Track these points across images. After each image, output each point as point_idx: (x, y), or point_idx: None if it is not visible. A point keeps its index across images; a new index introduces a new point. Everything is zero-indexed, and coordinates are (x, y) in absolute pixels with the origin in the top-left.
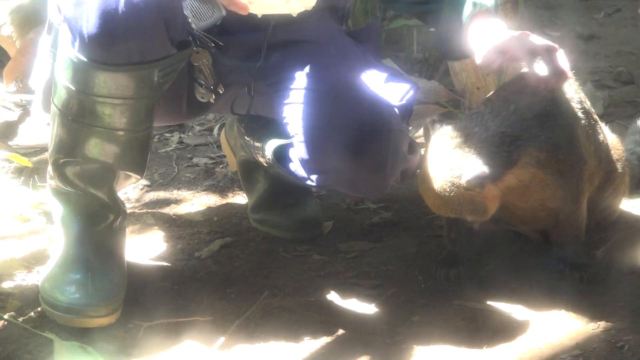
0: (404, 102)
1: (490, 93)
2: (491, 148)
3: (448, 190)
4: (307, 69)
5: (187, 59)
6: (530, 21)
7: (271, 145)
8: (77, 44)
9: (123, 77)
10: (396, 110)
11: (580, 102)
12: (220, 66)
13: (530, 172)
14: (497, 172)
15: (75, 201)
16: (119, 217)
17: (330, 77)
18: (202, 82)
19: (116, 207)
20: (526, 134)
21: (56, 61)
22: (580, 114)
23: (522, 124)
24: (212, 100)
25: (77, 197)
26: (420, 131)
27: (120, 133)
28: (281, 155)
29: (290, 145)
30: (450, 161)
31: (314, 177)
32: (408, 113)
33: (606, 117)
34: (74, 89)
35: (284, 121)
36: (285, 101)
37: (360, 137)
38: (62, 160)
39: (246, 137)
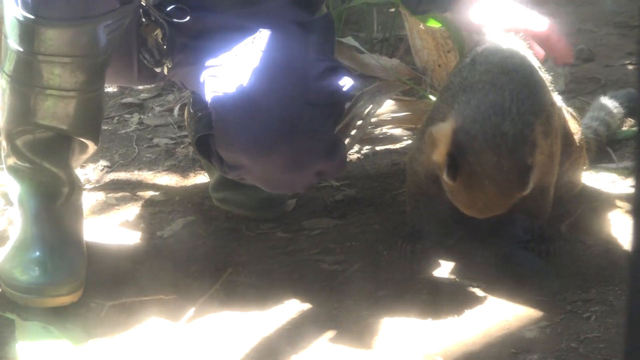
0: (333, 99)
1: (456, 77)
2: (518, 137)
3: (506, 190)
4: (236, 56)
5: (130, 15)
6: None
7: (196, 132)
8: (20, 1)
9: (69, 32)
10: (317, 108)
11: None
12: (172, 42)
13: (542, 149)
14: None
15: (30, 178)
16: (74, 193)
17: (256, 69)
18: (147, 55)
19: (72, 183)
20: (529, 111)
21: (4, 24)
22: (548, 83)
23: (523, 104)
24: (159, 71)
25: (32, 172)
26: (384, 107)
27: (72, 94)
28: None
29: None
30: (503, 162)
31: (229, 171)
32: (337, 111)
33: (567, 94)
34: (22, 49)
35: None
36: (210, 86)
37: (270, 135)
38: (14, 131)
39: (191, 113)
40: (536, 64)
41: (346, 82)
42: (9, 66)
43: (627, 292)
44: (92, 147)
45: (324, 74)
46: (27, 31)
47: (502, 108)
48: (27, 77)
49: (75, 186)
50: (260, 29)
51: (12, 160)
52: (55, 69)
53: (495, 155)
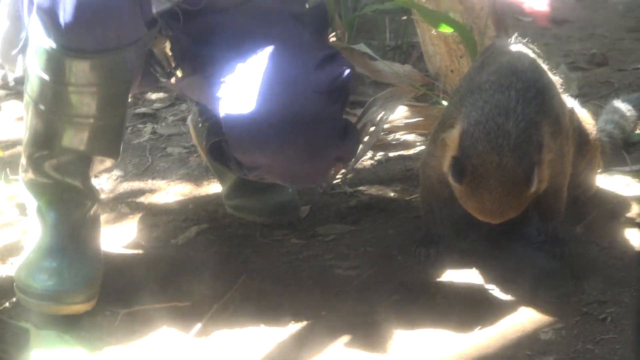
0: (337, 84)
1: (464, 80)
2: (521, 136)
3: (513, 190)
4: (236, 57)
5: (155, 35)
6: (501, 6)
7: (208, 140)
8: (52, 33)
9: (101, 63)
10: (323, 95)
11: (550, 73)
12: (181, 53)
13: (549, 148)
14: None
15: (51, 192)
16: (94, 204)
17: (257, 66)
18: (158, 69)
19: (91, 194)
20: (535, 111)
21: (28, 50)
22: (558, 86)
23: (529, 104)
24: (172, 81)
25: (52, 187)
26: (397, 113)
27: (97, 120)
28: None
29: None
30: (505, 161)
31: (248, 173)
32: (343, 95)
33: (581, 98)
34: (48, 79)
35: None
36: (217, 94)
37: (283, 130)
38: (37, 154)
39: (199, 120)
40: (546, 67)
41: (345, 66)
42: (32, 90)
43: None
44: (112, 162)
45: (323, 63)
46: (57, 62)
47: (506, 108)
48: (54, 105)
49: (94, 197)
50: (259, 30)
51: (30, 176)
52: (85, 99)
53: (497, 155)
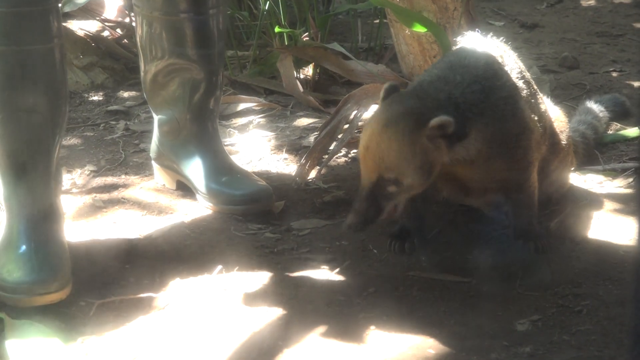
0: None
1: (432, 64)
2: (449, 109)
3: (404, 139)
4: None
5: None
6: (473, 11)
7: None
8: None
9: None
10: None
11: (521, 73)
12: None
13: (476, 148)
14: (454, 135)
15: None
16: (58, 195)
17: None
18: None
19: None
20: (474, 109)
21: None
22: (521, 84)
23: (471, 96)
24: None
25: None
26: (370, 112)
27: None
28: None
29: None
30: (411, 111)
31: None
32: None
33: (553, 100)
34: None
35: None
36: None
37: None
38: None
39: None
40: (517, 67)
41: None
42: None
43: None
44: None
45: None
46: None
47: (446, 79)
48: None
49: (57, 187)
50: None
51: None
52: None
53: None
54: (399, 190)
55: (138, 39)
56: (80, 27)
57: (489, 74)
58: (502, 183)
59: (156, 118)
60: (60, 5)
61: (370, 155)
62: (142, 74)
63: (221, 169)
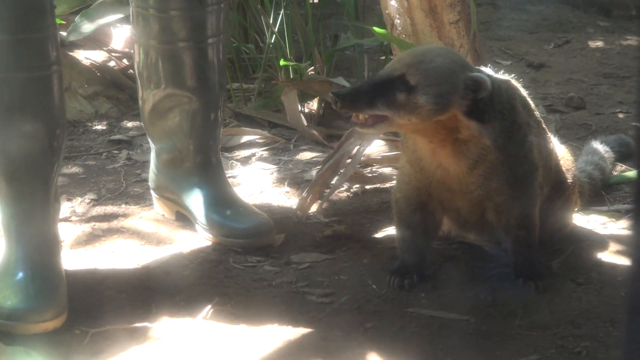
0: None
1: None
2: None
3: (448, 63)
4: None
5: None
6: (480, 48)
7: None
8: None
9: None
10: None
11: (531, 110)
12: None
13: (484, 142)
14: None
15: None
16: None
17: None
18: None
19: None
20: (499, 107)
21: None
22: (532, 122)
23: (499, 97)
24: None
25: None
26: (374, 147)
27: None
28: None
29: None
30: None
31: None
32: None
33: (559, 139)
34: None
35: None
36: None
37: None
38: None
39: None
40: (529, 104)
41: None
42: None
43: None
44: None
45: None
46: None
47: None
48: None
49: (56, 213)
50: None
51: None
52: None
53: None
54: (402, 102)
55: (136, 67)
56: (86, 56)
57: (510, 95)
58: (501, 213)
59: (154, 147)
60: (65, 34)
61: (412, 54)
62: (140, 102)
63: (224, 201)
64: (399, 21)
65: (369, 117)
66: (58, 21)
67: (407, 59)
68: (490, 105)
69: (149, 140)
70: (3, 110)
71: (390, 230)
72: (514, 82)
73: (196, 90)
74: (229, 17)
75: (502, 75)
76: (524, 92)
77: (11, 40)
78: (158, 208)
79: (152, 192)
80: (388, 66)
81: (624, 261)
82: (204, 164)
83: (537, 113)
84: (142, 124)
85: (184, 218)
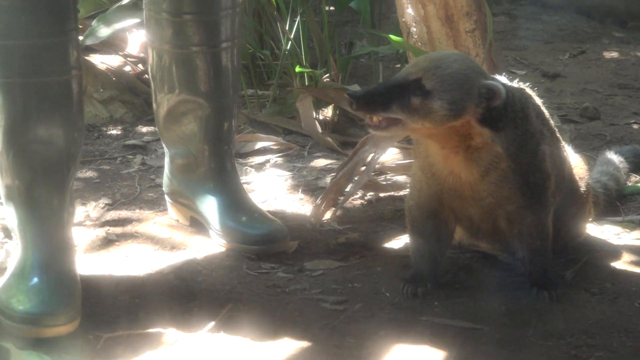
0: None
1: None
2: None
3: (464, 70)
4: None
5: None
6: (495, 58)
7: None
8: None
9: None
10: None
11: (545, 119)
12: None
13: (496, 150)
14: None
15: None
16: (71, 225)
17: None
18: None
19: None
20: (512, 115)
21: None
22: (545, 131)
23: (513, 106)
24: None
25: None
26: (388, 155)
27: None
28: None
29: None
30: (480, 67)
31: None
32: None
33: (573, 149)
34: None
35: None
36: None
37: None
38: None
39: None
40: (540, 112)
41: None
42: None
43: None
44: None
45: None
46: None
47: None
48: None
49: (70, 217)
50: None
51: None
52: None
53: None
54: (417, 106)
55: (150, 72)
56: (102, 60)
57: (524, 104)
58: (513, 221)
59: (168, 153)
60: (81, 38)
61: (429, 58)
62: (154, 107)
63: (239, 207)
64: (415, 29)
65: (383, 119)
66: None
67: (424, 63)
68: (504, 113)
69: (164, 145)
70: (21, 115)
71: (404, 239)
72: (528, 91)
73: (210, 95)
74: (244, 22)
75: (516, 84)
76: (538, 101)
77: (31, 44)
78: (172, 213)
79: (166, 197)
80: (404, 69)
81: (638, 272)
82: (218, 170)
83: (551, 122)
84: (157, 129)
85: (198, 224)
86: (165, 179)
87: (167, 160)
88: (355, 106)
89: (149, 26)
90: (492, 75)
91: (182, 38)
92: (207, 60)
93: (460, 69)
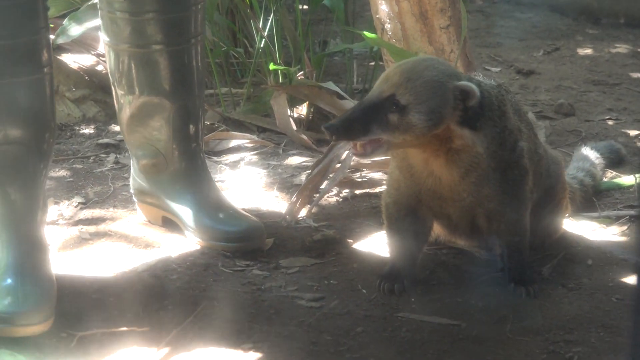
0: None
1: None
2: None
3: (436, 76)
4: None
5: None
6: (470, 54)
7: None
8: None
9: None
10: None
11: (523, 114)
12: None
13: (476, 150)
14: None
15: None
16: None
17: None
18: None
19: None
20: (490, 114)
21: None
22: (523, 128)
23: (490, 101)
24: None
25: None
26: None
27: None
28: None
29: None
30: (452, 69)
31: None
32: None
33: (549, 145)
34: None
35: None
36: None
37: None
38: None
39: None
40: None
41: None
42: None
43: None
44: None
45: None
46: None
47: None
48: None
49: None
50: None
51: None
52: None
53: None
54: (396, 123)
55: (109, 73)
56: (74, 60)
57: (501, 101)
58: (491, 217)
59: (134, 154)
60: (52, 37)
61: (399, 71)
62: (117, 109)
63: (214, 205)
64: (389, 26)
65: (367, 144)
66: None
67: (395, 78)
68: (481, 112)
69: (128, 147)
70: None
71: (380, 235)
72: (505, 87)
73: (176, 95)
74: (205, 18)
75: (493, 81)
76: (514, 97)
77: (2, 45)
78: (142, 214)
79: (134, 198)
80: (376, 87)
81: (615, 267)
82: (189, 168)
83: (529, 117)
84: (122, 132)
85: (171, 223)
86: (132, 180)
87: (132, 161)
88: (334, 138)
89: (104, 25)
90: (466, 74)
91: (143, 37)
92: (170, 58)
93: (431, 75)
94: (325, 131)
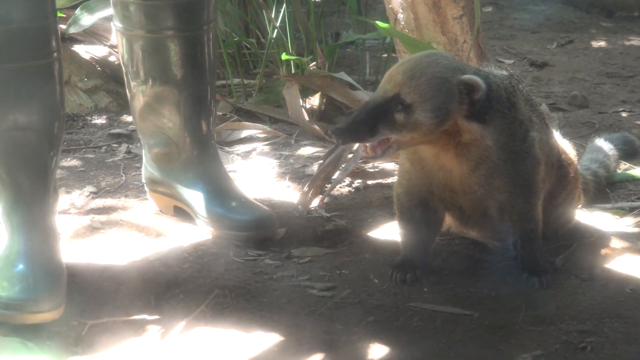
0: None
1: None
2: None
3: (439, 72)
4: None
5: None
6: (483, 45)
7: None
8: None
9: None
10: None
11: (534, 105)
12: None
13: (485, 143)
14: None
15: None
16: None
17: None
18: None
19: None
20: (498, 106)
21: None
22: (534, 118)
23: (498, 93)
24: None
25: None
26: None
27: None
28: None
29: None
30: (455, 62)
31: None
32: None
33: (562, 136)
34: None
35: None
36: None
37: None
38: None
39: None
40: (530, 100)
41: None
42: None
43: None
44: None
45: None
46: None
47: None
48: None
49: (55, 203)
50: None
51: None
52: None
53: None
54: (402, 122)
55: (121, 61)
56: (86, 50)
57: (510, 92)
58: (503, 208)
59: (146, 143)
60: (64, 27)
61: (401, 70)
62: (129, 97)
63: (226, 194)
64: (402, 15)
65: (377, 146)
66: (58, 14)
67: (398, 76)
68: (489, 105)
69: (140, 135)
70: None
71: (392, 226)
72: (517, 77)
73: (187, 82)
74: (217, 7)
75: (504, 71)
76: (525, 89)
77: (9, 29)
78: (154, 203)
79: (145, 187)
80: (380, 87)
81: (628, 258)
82: (201, 156)
83: (539, 108)
84: (134, 121)
85: (181, 212)
86: (144, 169)
87: (144, 150)
88: (341, 141)
89: (117, 12)
90: (473, 67)
91: (155, 22)
92: (182, 44)
93: (435, 71)
94: (332, 135)
